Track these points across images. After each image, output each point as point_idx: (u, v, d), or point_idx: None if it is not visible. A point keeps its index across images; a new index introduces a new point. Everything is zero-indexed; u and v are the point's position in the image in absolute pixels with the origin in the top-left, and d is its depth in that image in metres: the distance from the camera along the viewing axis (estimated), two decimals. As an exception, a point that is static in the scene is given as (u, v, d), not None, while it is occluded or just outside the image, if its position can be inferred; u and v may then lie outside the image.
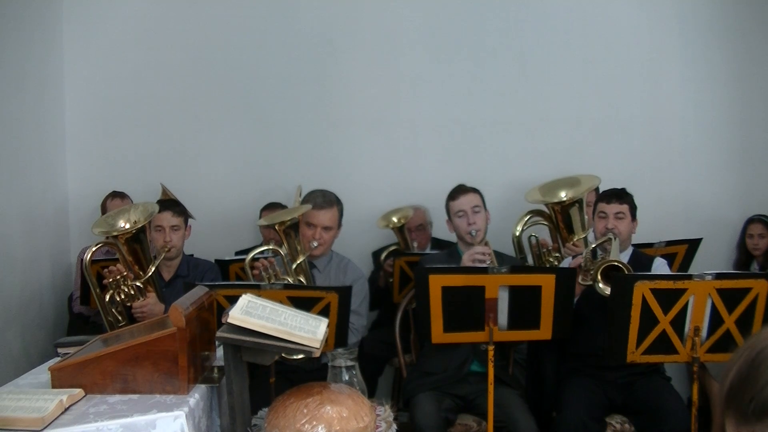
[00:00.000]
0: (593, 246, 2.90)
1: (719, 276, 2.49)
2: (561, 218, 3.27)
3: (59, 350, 2.12)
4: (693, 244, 3.57)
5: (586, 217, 3.28)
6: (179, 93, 4.28)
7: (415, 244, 3.96)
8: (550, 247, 3.42)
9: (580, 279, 2.80)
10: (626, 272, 2.61)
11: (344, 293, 2.55)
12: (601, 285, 2.68)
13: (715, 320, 2.51)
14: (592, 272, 2.74)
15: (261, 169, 4.29)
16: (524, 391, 3.03)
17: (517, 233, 3.46)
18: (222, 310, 1.80)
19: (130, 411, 1.63)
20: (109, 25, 4.25)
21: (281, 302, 2.08)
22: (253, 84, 4.28)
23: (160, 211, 2.95)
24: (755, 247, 3.90)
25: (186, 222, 3.15)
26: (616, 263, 2.66)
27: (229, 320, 1.69)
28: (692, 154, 4.26)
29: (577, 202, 3.22)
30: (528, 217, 3.44)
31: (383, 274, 3.87)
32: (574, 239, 3.23)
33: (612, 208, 2.92)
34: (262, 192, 4.18)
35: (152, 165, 4.20)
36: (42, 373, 1.95)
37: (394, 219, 3.98)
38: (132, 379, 1.75)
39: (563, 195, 3.24)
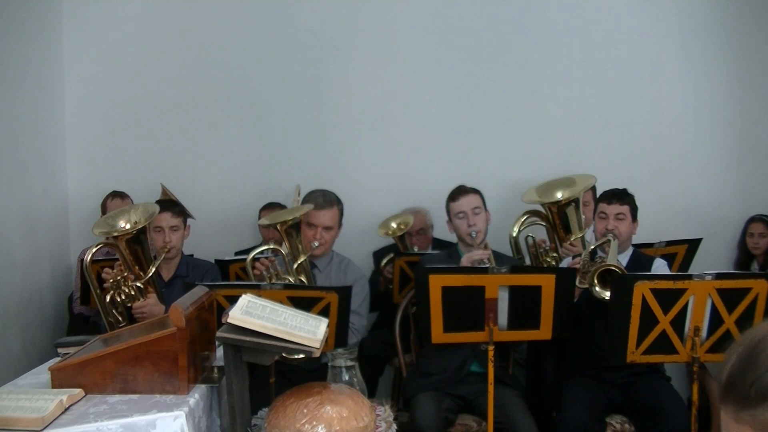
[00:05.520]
0: (592, 247, 2.90)
1: (719, 276, 2.49)
2: (558, 218, 3.28)
3: (59, 350, 2.12)
4: (693, 244, 3.57)
5: (582, 216, 3.28)
6: (179, 93, 4.28)
7: (416, 248, 3.95)
8: (548, 247, 3.42)
9: (577, 281, 2.80)
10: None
11: (344, 293, 2.55)
12: (597, 289, 2.69)
13: (715, 320, 2.51)
14: (589, 275, 2.74)
15: (261, 169, 4.29)
16: (524, 391, 3.03)
17: (514, 234, 3.46)
18: (222, 310, 1.80)
19: (130, 411, 1.63)
20: (109, 25, 4.25)
21: (281, 302, 2.08)
22: (253, 84, 4.28)
23: (159, 212, 2.95)
24: (755, 246, 3.91)
25: (185, 222, 3.15)
26: (611, 266, 2.67)
27: (229, 320, 1.69)
28: (692, 154, 4.26)
29: (574, 201, 3.22)
30: (525, 217, 3.44)
31: (383, 279, 3.86)
32: (571, 239, 3.23)
33: (612, 209, 2.92)
34: (261, 192, 4.18)
35: (152, 165, 4.19)
36: (42, 373, 1.95)
37: (393, 225, 3.94)
38: (132, 379, 1.75)
39: (559, 195, 3.25)
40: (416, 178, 4.27)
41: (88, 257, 2.84)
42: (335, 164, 4.24)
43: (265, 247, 3.07)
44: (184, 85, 4.28)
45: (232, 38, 4.28)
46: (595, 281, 2.69)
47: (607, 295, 2.65)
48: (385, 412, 1.97)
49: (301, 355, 1.77)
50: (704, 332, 2.52)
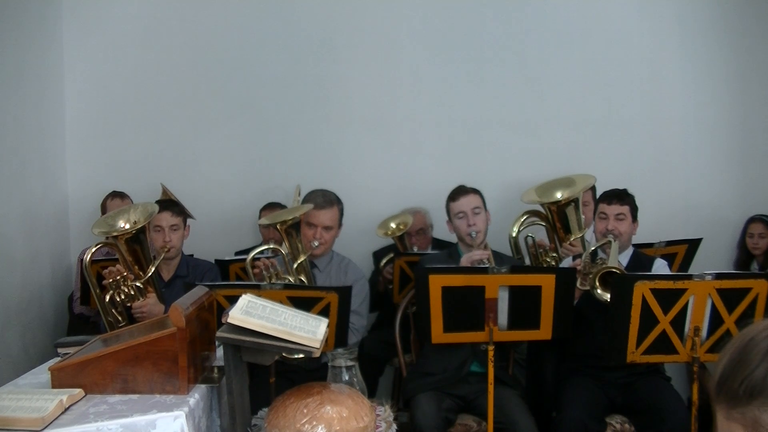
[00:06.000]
0: (593, 248, 2.90)
1: (719, 276, 2.49)
2: (557, 218, 3.28)
3: (59, 350, 2.12)
4: (693, 244, 3.57)
5: (582, 216, 3.29)
6: (179, 93, 4.28)
7: (415, 248, 3.95)
8: (547, 247, 3.42)
9: (578, 283, 2.80)
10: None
11: (344, 293, 2.55)
12: (599, 291, 2.69)
13: (715, 320, 2.51)
14: (590, 277, 2.74)
15: (261, 169, 4.29)
16: (524, 391, 3.03)
17: (514, 234, 3.46)
18: (222, 310, 1.80)
19: (130, 411, 1.63)
20: (109, 25, 4.25)
21: (281, 302, 2.08)
22: (253, 84, 4.28)
23: (159, 212, 2.95)
24: (755, 247, 3.91)
25: (185, 222, 3.15)
26: (613, 269, 2.67)
27: (229, 320, 1.69)
28: (692, 154, 4.26)
29: (573, 201, 3.23)
30: (524, 217, 3.44)
31: (382, 279, 3.86)
32: (571, 239, 3.23)
33: (613, 209, 2.92)
34: (262, 192, 4.18)
35: (152, 165, 4.20)
36: (42, 373, 1.95)
37: (393, 225, 3.94)
38: (132, 379, 1.75)
39: (559, 195, 3.25)
40: (416, 178, 4.27)
41: (87, 257, 2.84)
42: (335, 164, 4.24)
43: (265, 247, 3.07)
44: (184, 85, 4.28)
45: (232, 38, 4.28)
46: (597, 284, 2.70)
47: (608, 297, 2.65)
48: (385, 412, 1.97)
49: (301, 355, 1.77)
50: (704, 332, 2.52)
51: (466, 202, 3.07)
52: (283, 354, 1.80)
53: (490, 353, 2.65)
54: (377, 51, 4.30)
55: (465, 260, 2.93)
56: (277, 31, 4.28)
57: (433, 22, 4.30)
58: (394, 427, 1.93)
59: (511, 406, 2.78)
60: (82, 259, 3.08)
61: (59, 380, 1.76)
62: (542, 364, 3.10)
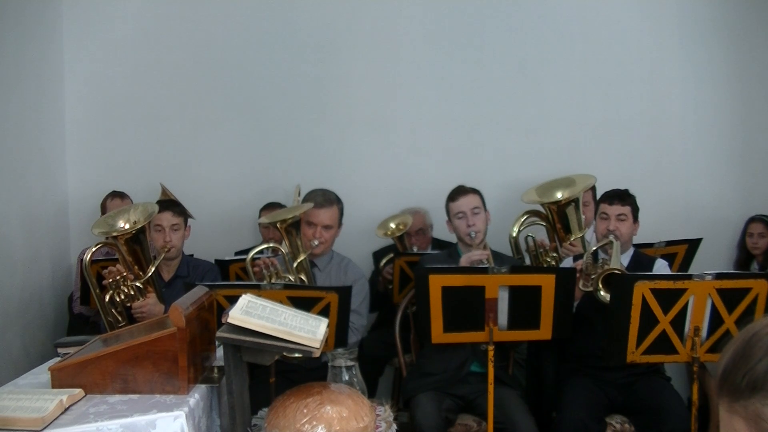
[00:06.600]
0: (594, 249, 2.90)
1: (719, 276, 2.49)
2: (557, 218, 3.28)
3: (59, 350, 2.12)
4: (693, 244, 3.57)
5: (582, 216, 3.29)
6: (179, 93, 4.28)
7: (415, 249, 3.95)
8: (548, 247, 3.42)
9: (581, 285, 2.80)
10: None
11: (344, 293, 2.55)
12: (602, 293, 2.69)
13: (715, 320, 2.51)
14: (593, 278, 2.74)
15: (261, 169, 4.29)
16: (524, 391, 3.03)
17: (514, 234, 3.47)
18: (222, 310, 1.80)
19: (130, 411, 1.63)
20: (109, 25, 4.25)
21: (281, 302, 2.08)
22: (253, 84, 4.28)
23: (159, 211, 2.95)
24: (755, 247, 3.91)
25: (185, 222, 3.15)
26: (615, 271, 2.67)
27: (229, 320, 1.69)
28: (692, 154, 4.26)
29: (573, 201, 3.23)
30: (525, 217, 3.45)
31: (382, 279, 3.86)
32: (571, 239, 3.24)
33: (614, 210, 2.92)
34: (262, 192, 4.18)
35: (152, 165, 4.20)
36: (42, 373, 1.94)
37: (392, 226, 3.93)
38: (132, 379, 1.75)
39: (559, 195, 3.25)
40: (416, 178, 4.27)
41: (87, 257, 2.84)
42: (335, 164, 4.24)
43: (265, 246, 3.07)
44: (184, 85, 4.28)
45: (232, 38, 4.28)
46: (600, 286, 2.70)
47: None
48: (385, 412, 1.97)
49: (299, 355, 1.77)
50: (704, 332, 2.52)
51: (465, 203, 3.07)
52: (283, 353, 1.80)
53: (490, 353, 2.65)
54: (377, 51, 4.29)
55: (464, 260, 2.94)
56: (277, 31, 4.28)
57: (433, 22, 4.30)
58: (394, 427, 1.93)
59: (511, 407, 2.78)
60: (82, 259, 3.08)
61: (59, 380, 1.76)
62: (542, 364, 3.10)
